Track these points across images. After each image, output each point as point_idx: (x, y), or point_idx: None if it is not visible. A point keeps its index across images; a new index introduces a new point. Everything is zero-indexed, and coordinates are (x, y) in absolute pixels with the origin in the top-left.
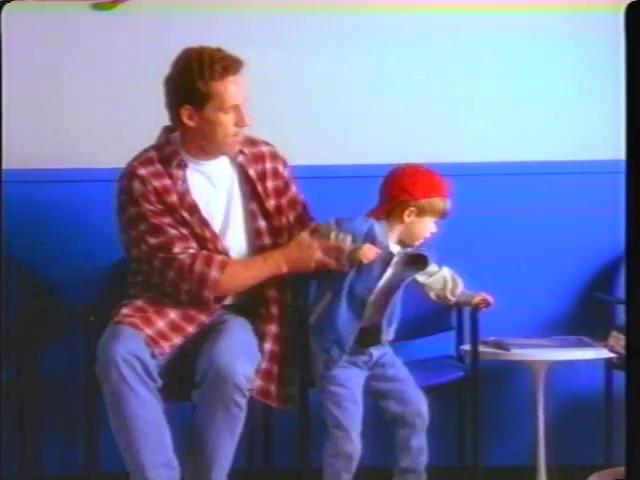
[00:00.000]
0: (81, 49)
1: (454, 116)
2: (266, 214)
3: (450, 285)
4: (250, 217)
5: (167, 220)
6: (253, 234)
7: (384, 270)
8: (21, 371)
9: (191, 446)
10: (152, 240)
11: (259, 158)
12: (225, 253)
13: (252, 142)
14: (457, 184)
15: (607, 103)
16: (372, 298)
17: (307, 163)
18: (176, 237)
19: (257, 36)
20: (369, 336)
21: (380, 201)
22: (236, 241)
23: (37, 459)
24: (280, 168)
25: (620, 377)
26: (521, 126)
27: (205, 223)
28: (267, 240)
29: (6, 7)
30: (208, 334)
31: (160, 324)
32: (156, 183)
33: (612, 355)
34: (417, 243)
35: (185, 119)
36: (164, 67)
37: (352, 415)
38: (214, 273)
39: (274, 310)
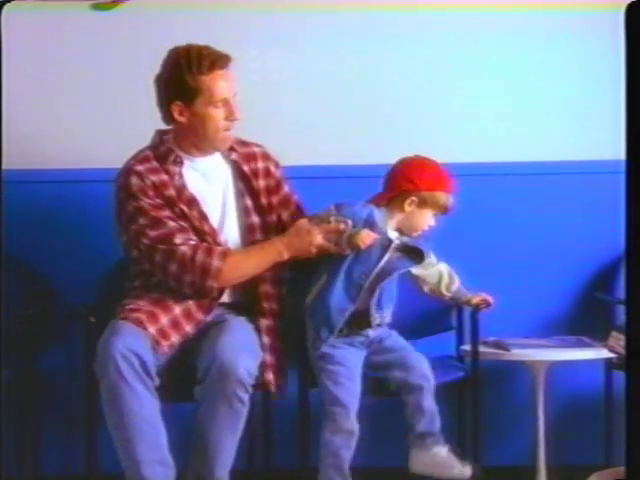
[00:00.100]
0: (81, 49)
1: (454, 116)
2: (259, 210)
3: (446, 280)
4: (244, 213)
5: (166, 213)
6: (247, 230)
7: (382, 256)
8: (21, 371)
9: (193, 443)
10: (152, 233)
11: (251, 158)
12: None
13: (244, 143)
14: (457, 184)
15: (607, 103)
16: (367, 283)
17: (307, 163)
18: (176, 229)
19: (257, 36)
20: (360, 319)
21: (384, 188)
22: (232, 236)
23: (37, 459)
24: (272, 168)
25: (620, 377)
26: (521, 126)
27: (204, 217)
28: (259, 236)
29: (6, 7)
30: (208, 332)
31: (164, 320)
32: (154, 178)
33: (612, 355)
34: (415, 234)
35: (176, 115)
36: None
37: (350, 392)
38: (216, 263)
39: (268, 305)
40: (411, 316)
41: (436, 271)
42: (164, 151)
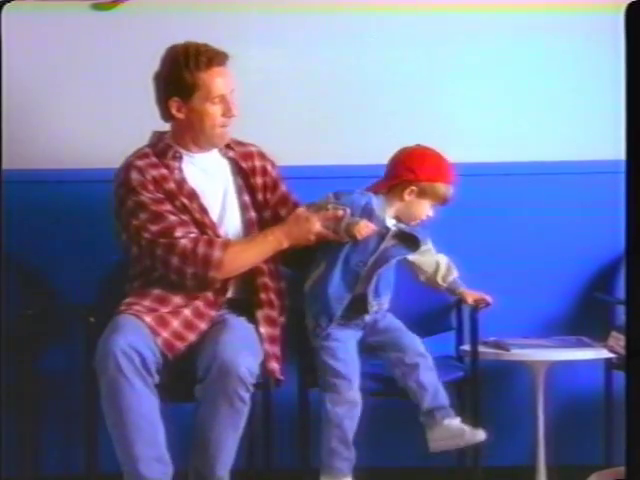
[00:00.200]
0: (81, 49)
1: (454, 116)
2: (257, 206)
3: (443, 271)
4: (244, 208)
5: (167, 207)
6: (246, 225)
7: (379, 244)
8: (21, 371)
9: (194, 442)
10: (154, 227)
11: (248, 156)
12: None
13: (240, 143)
14: (457, 184)
15: (607, 103)
16: (364, 271)
17: (306, 163)
18: (177, 222)
19: (257, 36)
20: (357, 306)
21: (384, 177)
22: (233, 230)
23: (37, 459)
24: (268, 167)
25: (620, 377)
26: (521, 126)
27: (204, 210)
28: (257, 231)
29: (6, 7)
30: (208, 332)
31: (175, 324)
32: (154, 172)
33: (612, 355)
34: (413, 223)
35: (174, 111)
36: None
37: (349, 365)
38: (218, 253)
39: (265, 295)
40: (411, 316)
41: (433, 261)
42: (163, 147)
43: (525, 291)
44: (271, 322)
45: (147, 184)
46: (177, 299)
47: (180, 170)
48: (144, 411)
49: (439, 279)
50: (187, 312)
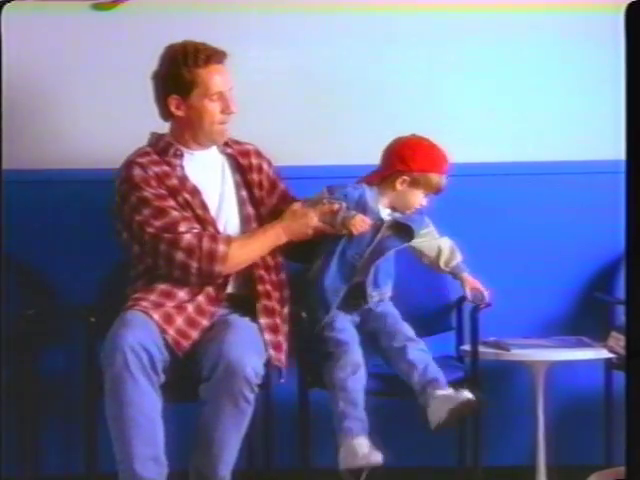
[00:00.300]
0: (81, 49)
1: (454, 116)
2: (253, 202)
3: (446, 255)
4: (242, 204)
5: (170, 203)
6: (244, 220)
7: (374, 237)
8: (21, 371)
9: (196, 441)
10: (157, 223)
11: (245, 154)
12: None
13: (237, 142)
14: (457, 184)
15: (607, 103)
16: (360, 263)
17: (307, 163)
18: (180, 218)
19: (257, 36)
20: (357, 296)
21: (378, 167)
22: (231, 225)
23: (37, 459)
24: (265, 166)
25: (620, 377)
26: (521, 126)
27: (205, 206)
28: (255, 226)
29: (6, 7)
30: (212, 331)
31: (179, 321)
32: (156, 169)
33: (612, 355)
34: (408, 212)
35: (173, 109)
36: None
37: (347, 332)
38: (222, 248)
39: (262, 287)
40: (411, 316)
41: (435, 244)
42: (164, 145)
43: (525, 291)
44: (269, 312)
45: (150, 180)
46: (182, 293)
47: (182, 167)
48: (145, 409)
49: (441, 263)
50: (190, 309)
